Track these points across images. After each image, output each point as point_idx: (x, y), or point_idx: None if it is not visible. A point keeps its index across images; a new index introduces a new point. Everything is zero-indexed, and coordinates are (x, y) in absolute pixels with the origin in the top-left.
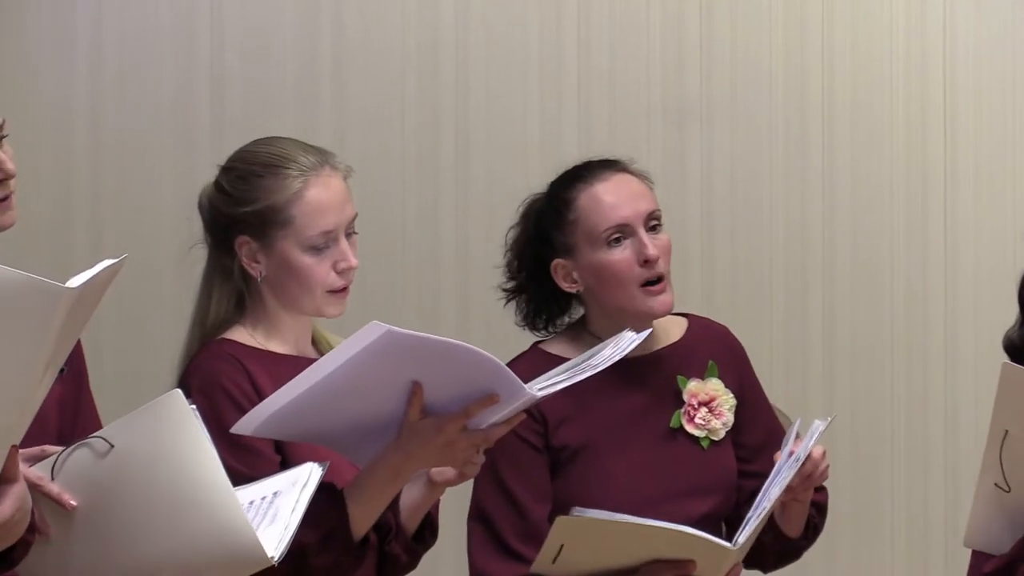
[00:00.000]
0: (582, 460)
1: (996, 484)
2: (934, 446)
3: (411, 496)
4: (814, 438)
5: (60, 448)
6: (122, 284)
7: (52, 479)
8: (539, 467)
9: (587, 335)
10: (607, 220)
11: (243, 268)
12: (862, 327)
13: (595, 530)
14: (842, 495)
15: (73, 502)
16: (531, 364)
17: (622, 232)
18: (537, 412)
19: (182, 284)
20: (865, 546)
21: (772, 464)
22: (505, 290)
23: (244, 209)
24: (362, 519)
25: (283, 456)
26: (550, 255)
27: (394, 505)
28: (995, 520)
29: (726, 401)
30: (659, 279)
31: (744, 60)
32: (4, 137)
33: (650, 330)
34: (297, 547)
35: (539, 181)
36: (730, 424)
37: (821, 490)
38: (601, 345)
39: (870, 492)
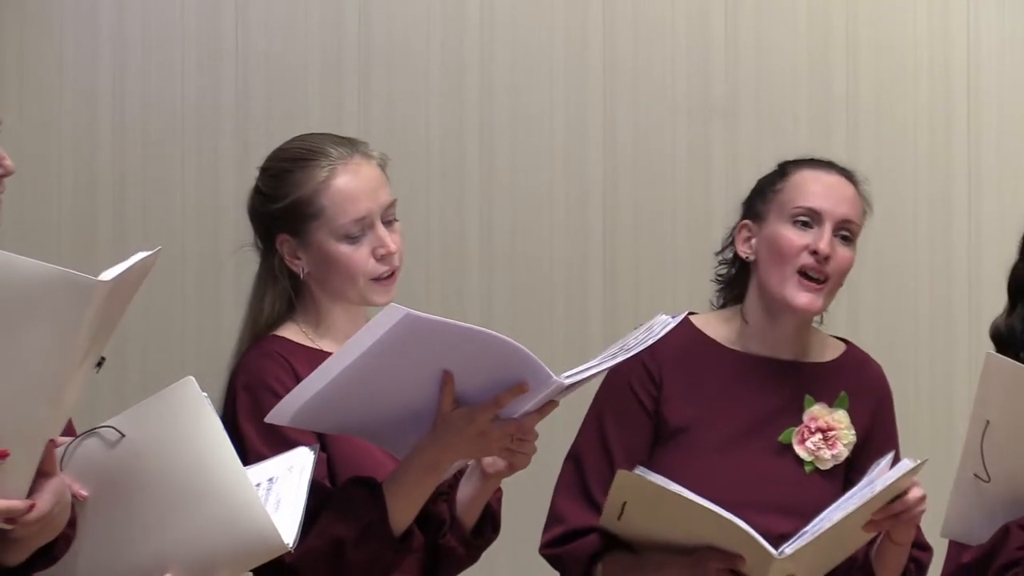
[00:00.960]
0: (682, 441)
1: (976, 474)
2: (923, 437)
3: (466, 490)
4: (899, 474)
5: (70, 438)
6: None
7: (61, 469)
8: (642, 428)
9: (739, 316)
10: (803, 200)
11: (287, 267)
12: (885, 321)
13: (652, 494)
14: None
15: (84, 492)
16: (674, 332)
17: (810, 217)
18: (657, 375)
19: (206, 282)
20: None
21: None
22: (719, 265)
23: (277, 206)
24: (402, 513)
25: (328, 453)
26: (745, 218)
27: (450, 498)
28: (974, 510)
29: (845, 436)
30: (819, 278)
31: (769, 57)
32: None
33: (685, 313)
34: (335, 541)
35: (563, 178)
36: (841, 458)
37: (925, 549)
38: (633, 331)
39: None
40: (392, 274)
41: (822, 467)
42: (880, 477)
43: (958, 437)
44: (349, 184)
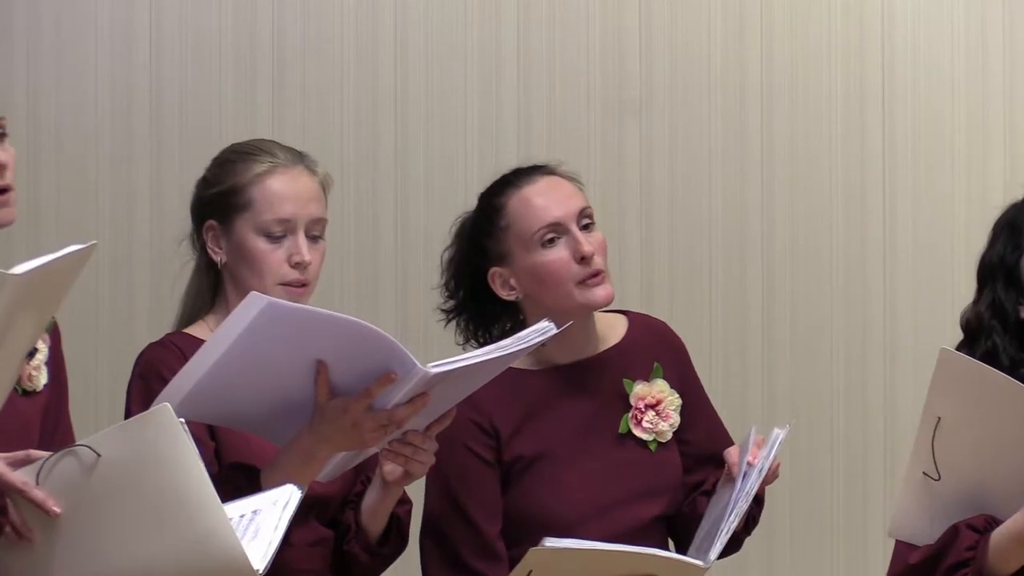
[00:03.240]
0: (535, 470)
1: (925, 473)
2: (873, 437)
3: (371, 497)
4: (775, 446)
5: (45, 453)
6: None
7: (37, 484)
8: (490, 483)
9: None
10: (539, 221)
11: (208, 257)
12: (802, 316)
13: (567, 558)
14: (782, 489)
15: (57, 508)
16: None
17: (556, 232)
18: (489, 426)
19: (119, 280)
20: (803, 537)
21: (712, 451)
22: (444, 311)
23: (212, 191)
24: None
25: (217, 444)
26: (486, 265)
27: (356, 506)
28: (923, 510)
29: (672, 402)
30: (597, 275)
31: (683, 52)
32: (4, 136)
33: (554, 330)
34: None
35: (478, 174)
36: (676, 425)
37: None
38: (508, 339)
39: (810, 485)
40: (303, 286)
41: (663, 440)
42: (759, 456)
43: (873, 424)
44: (282, 186)
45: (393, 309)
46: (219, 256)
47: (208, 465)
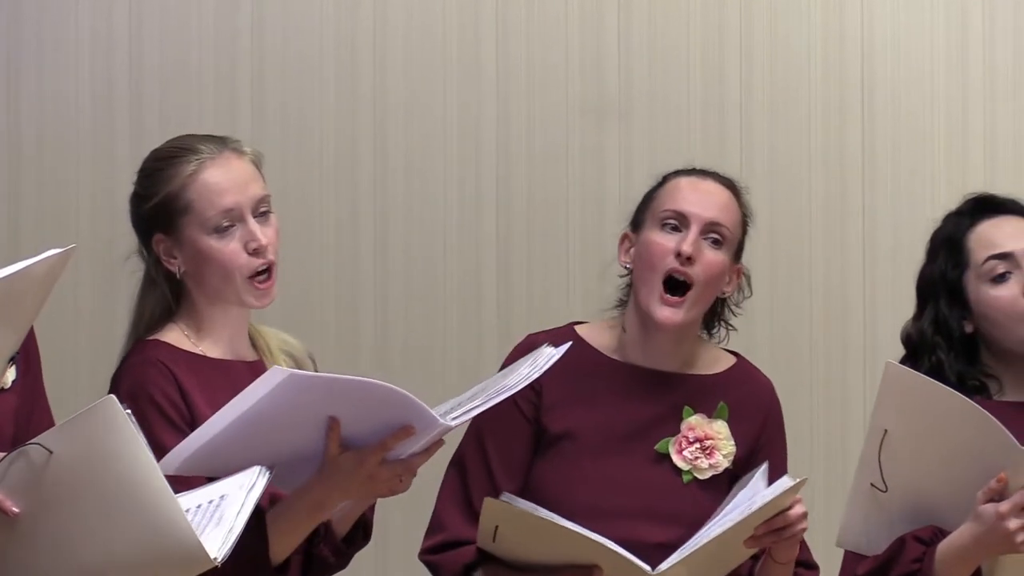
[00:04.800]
0: (561, 449)
1: (872, 484)
2: (853, 454)
3: (341, 507)
4: (778, 491)
5: (2, 454)
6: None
7: None
8: (521, 438)
9: (620, 326)
10: (672, 203)
11: (165, 268)
12: (780, 321)
13: (520, 520)
14: None
15: (16, 508)
16: (554, 337)
17: (679, 220)
18: (537, 384)
19: (99, 285)
20: None
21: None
22: (622, 272)
23: (149, 204)
24: (282, 544)
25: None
26: (627, 228)
27: None
28: (871, 520)
29: (724, 446)
30: (684, 284)
31: (663, 55)
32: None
33: (569, 344)
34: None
35: (457, 178)
36: (720, 468)
37: (812, 568)
38: (519, 362)
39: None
40: (268, 273)
41: (700, 476)
42: (760, 493)
43: (854, 448)
44: (216, 177)
45: (372, 314)
46: (175, 266)
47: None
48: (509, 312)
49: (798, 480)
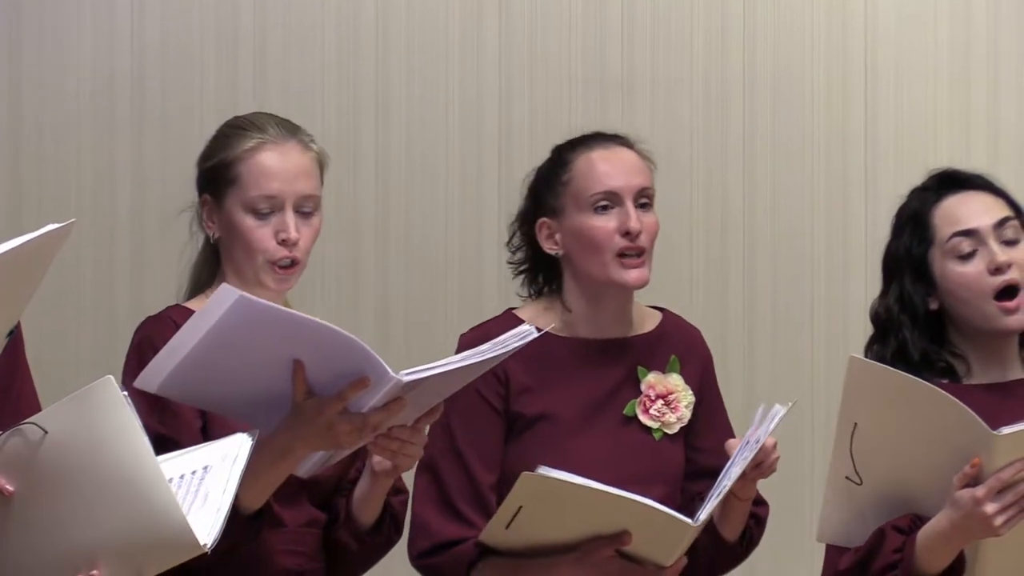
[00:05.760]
0: (537, 432)
1: (847, 477)
2: None
3: (362, 487)
4: (775, 421)
5: None
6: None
7: None
8: (494, 431)
9: (559, 304)
10: (598, 185)
11: (204, 230)
12: (783, 295)
13: (559, 493)
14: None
15: (10, 487)
16: (499, 326)
17: (610, 200)
18: (502, 374)
19: (101, 258)
20: (784, 532)
21: (719, 465)
22: (510, 263)
23: (206, 165)
24: (251, 492)
25: (204, 423)
26: (539, 215)
27: (348, 494)
28: (849, 513)
29: (684, 397)
30: (638, 253)
31: (665, 32)
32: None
33: (533, 333)
34: None
35: (459, 154)
36: (685, 420)
37: (762, 504)
38: (485, 344)
39: (791, 483)
40: (293, 265)
41: (669, 431)
42: (761, 430)
43: None
44: (270, 161)
45: (372, 288)
46: (212, 230)
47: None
48: (510, 287)
49: (790, 405)
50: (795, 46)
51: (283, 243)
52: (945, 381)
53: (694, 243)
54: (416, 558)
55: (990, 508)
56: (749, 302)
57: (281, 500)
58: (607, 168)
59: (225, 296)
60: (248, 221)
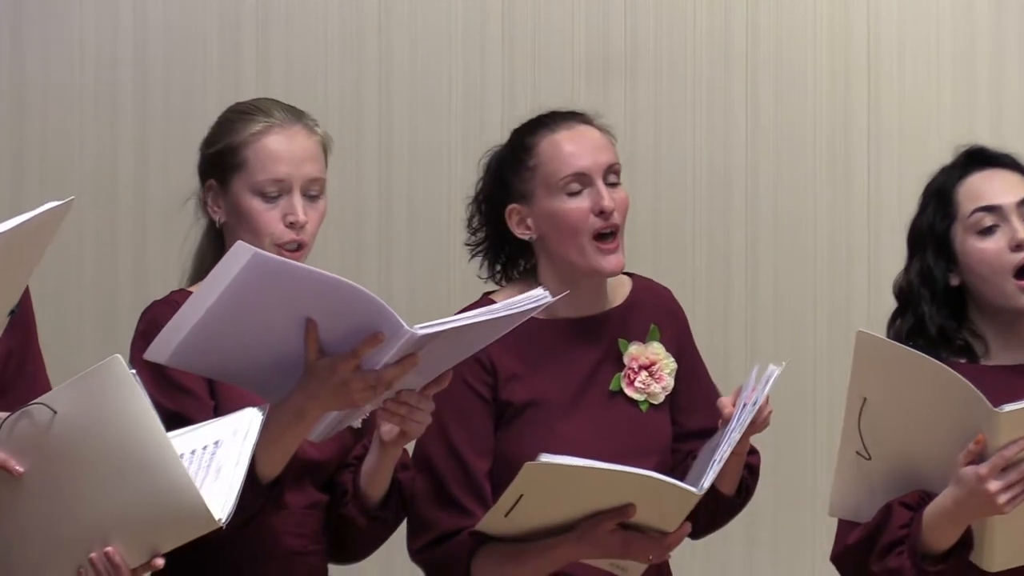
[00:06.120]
0: (528, 418)
1: (857, 452)
2: None
3: (370, 460)
4: (770, 382)
5: (4, 414)
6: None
7: None
8: (484, 420)
9: (536, 285)
10: (567, 168)
11: (208, 215)
12: (784, 279)
13: (562, 477)
14: (764, 445)
15: (20, 468)
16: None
17: (580, 182)
18: (488, 363)
19: (103, 241)
20: (786, 508)
21: (706, 425)
22: (468, 244)
23: (211, 150)
24: (268, 459)
25: (216, 401)
26: (507, 201)
27: (355, 469)
28: (859, 488)
29: (667, 365)
30: (612, 233)
31: (669, 15)
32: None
33: (548, 299)
34: None
35: (462, 136)
36: (670, 388)
37: (754, 453)
38: (497, 304)
39: (792, 450)
40: (299, 248)
41: (655, 402)
42: (757, 392)
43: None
44: (277, 145)
45: (376, 272)
46: (218, 215)
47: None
48: None
49: (783, 365)
50: (798, 25)
51: (291, 226)
52: (963, 361)
53: (696, 224)
54: (416, 552)
55: (993, 486)
56: (752, 289)
57: (283, 483)
58: (573, 149)
59: (241, 253)
60: (256, 204)
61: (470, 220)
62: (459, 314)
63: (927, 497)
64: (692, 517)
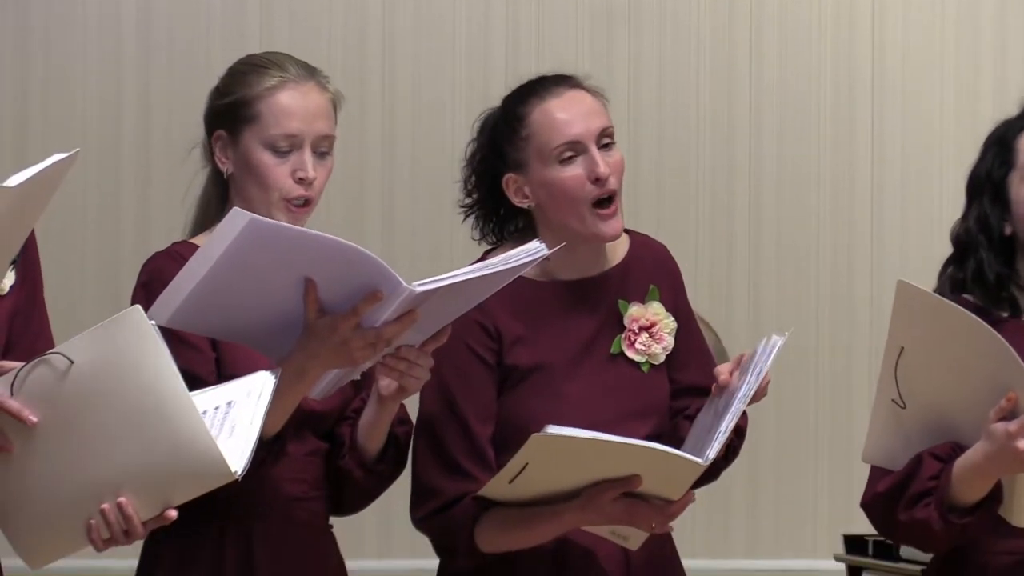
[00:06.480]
0: (532, 382)
1: (893, 400)
2: (858, 349)
3: (368, 414)
4: (775, 351)
5: (18, 363)
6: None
7: (12, 395)
8: (487, 385)
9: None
10: (560, 137)
11: (215, 166)
12: (787, 232)
13: (568, 448)
14: (767, 408)
15: (34, 418)
16: None
17: (574, 149)
18: (492, 328)
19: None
20: (788, 456)
21: (697, 381)
22: (462, 206)
23: (222, 101)
24: (269, 419)
25: (217, 354)
26: (502, 169)
27: (353, 423)
28: (893, 436)
29: (667, 325)
30: (610, 198)
31: None
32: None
33: (544, 251)
34: None
35: (466, 86)
36: (670, 348)
37: (741, 415)
38: (494, 259)
39: (795, 403)
40: (306, 204)
41: (656, 362)
42: (762, 360)
43: (858, 343)
44: (291, 101)
45: (380, 230)
46: (226, 166)
47: (208, 376)
48: None
49: (787, 334)
50: None
51: (300, 182)
52: (1005, 315)
53: (700, 174)
54: (420, 520)
55: (1022, 444)
56: (755, 242)
57: (285, 433)
58: (565, 116)
59: (237, 219)
60: (266, 158)
61: (465, 182)
62: (463, 268)
63: (958, 449)
64: None
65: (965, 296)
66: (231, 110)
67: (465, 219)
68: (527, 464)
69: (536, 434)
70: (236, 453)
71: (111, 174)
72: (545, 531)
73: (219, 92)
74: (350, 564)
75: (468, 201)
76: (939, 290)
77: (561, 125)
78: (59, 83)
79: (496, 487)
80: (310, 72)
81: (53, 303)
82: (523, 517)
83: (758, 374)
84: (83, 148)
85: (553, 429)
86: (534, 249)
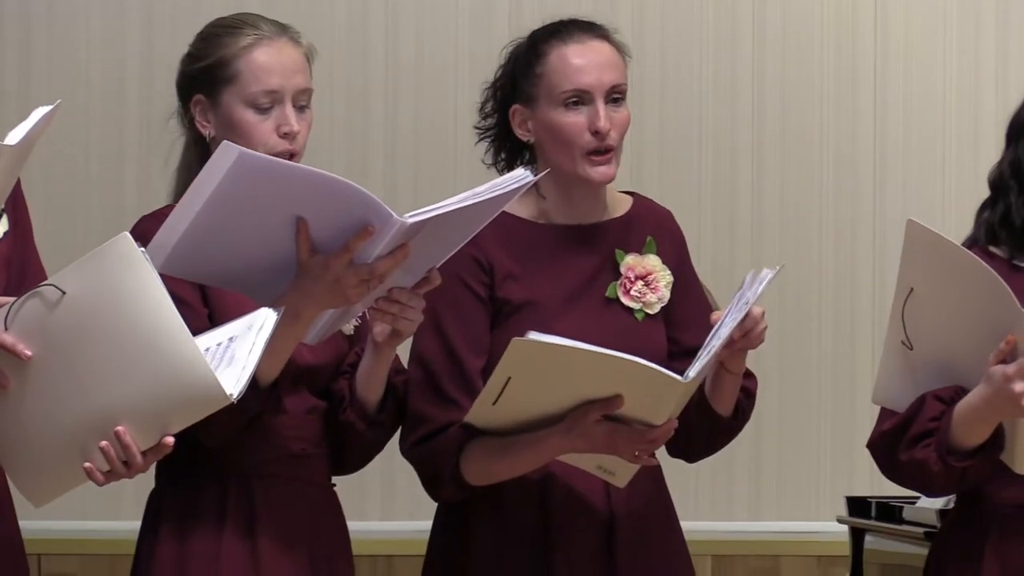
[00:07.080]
0: (523, 316)
1: (902, 341)
2: (861, 309)
3: (365, 364)
4: (764, 284)
5: (11, 299)
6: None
7: (5, 330)
8: (479, 317)
9: (534, 190)
10: (569, 82)
11: (197, 131)
12: (791, 192)
13: (549, 357)
14: (768, 363)
15: (28, 351)
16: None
17: (580, 98)
18: (485, 262)
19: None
20: (791, 413)
21: (701, 343)
22: (476, 127)
23: (198, 65)
24: (265, 364)
25: (210, 309)
26: (513, 98)
27: (351, 376)
28: (901, 377)
29: (663, 277)
30: (606, 151)
31: None
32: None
33: (530, 178)
34: None
35: (468, 52)
36: (665, 299)
37: (751, 376)
38: (482, 187)
39: (798, 360)
40: (292, 157)
41: (651, 312)
42: (750, 290)
43: (862, 296)
44: (268, 57)
45: (382, 196)
46: (207, 130)
47: (201, 333)
48: None
49: (778, 268)
50: None
51: (284, 136)
52: (1023, 265)
53: (702, 135)
54: (407, 449)
55: (1018, 387)
56: (758, 204)
57: (281, 388)
58: (580, 63)
59: (227, 153)
60: (249, 116)
61: (483, 105)
62: (453, 198)
63: (962, 392)
64: (689, 436)
65: (992, 249)
66: (208, 72)
67: (478, 142)
68: (510, 378)
69: (517, 338)
70: (232, 379)
71: (114, 139)
72: (530, 458)
73: (193, 57)
74: (353, 525)
75: (483, 124)
76: (974, 235)
77: (573, 72)
78: (62, 44)
79: (480, 410)
80: (282, 28)
81: (55, 264)
82: (508, 444)
83: (745, 303)
84: (86, 110)
85: (535, 335)
86: (520, 176)
